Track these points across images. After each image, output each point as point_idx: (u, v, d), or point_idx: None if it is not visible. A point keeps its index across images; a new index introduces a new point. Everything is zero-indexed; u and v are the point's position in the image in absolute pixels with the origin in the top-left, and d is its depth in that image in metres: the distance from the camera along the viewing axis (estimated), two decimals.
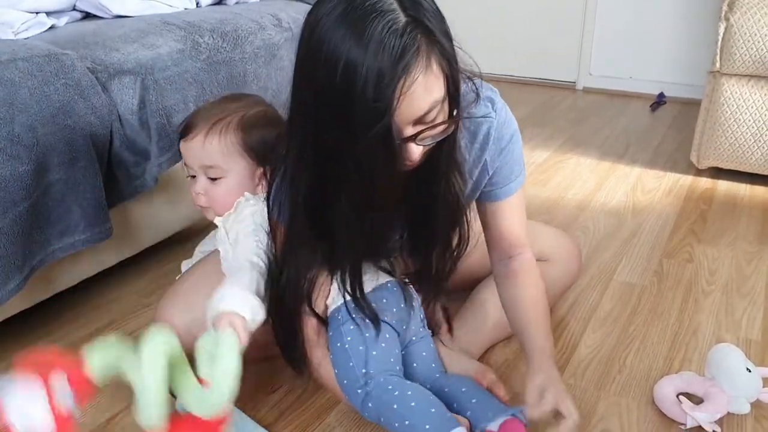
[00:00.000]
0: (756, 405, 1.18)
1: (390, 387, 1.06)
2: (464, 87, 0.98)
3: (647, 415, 1.18)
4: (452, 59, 0.91)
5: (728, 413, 1.16)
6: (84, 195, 1.32)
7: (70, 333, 1.46)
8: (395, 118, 0.85)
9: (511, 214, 1.19)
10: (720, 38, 2.08)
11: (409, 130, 0.89)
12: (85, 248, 1.37)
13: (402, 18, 0.84)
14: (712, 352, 1.22)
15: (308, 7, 0.91)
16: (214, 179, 1.19)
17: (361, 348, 1.10)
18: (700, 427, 1.12)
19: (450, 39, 0.92)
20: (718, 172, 2.27)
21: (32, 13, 1.65)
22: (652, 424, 1.16)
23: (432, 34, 0.87)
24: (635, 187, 2.20)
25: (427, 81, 0.86)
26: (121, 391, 1.00)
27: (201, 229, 1.75)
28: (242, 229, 1.12)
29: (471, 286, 1.41)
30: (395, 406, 1.03)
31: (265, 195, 1.11)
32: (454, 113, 0.94)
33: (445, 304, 1.30)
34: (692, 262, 1.71)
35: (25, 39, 1.50)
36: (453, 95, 0.93)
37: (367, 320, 1.10)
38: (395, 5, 0.85)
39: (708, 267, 1.69)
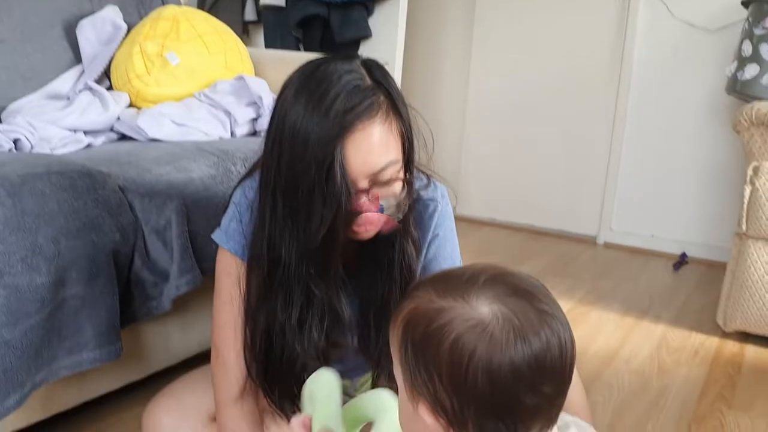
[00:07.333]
0: None
1: None
2: (417, 175, 1.08)
3: None
4: (409, 127, 0.99)
5: None
6: (98, 313, 1.29)
7: None
8: (350, 166, 0.91)
9: None
10: (746, 202, 2.08)
11: (363, 183, 0.94)
12: (92, 368, 1.31)
13: (368, 81, 0.93)
14: None
15: None
16: None
17: None
18: None
19: (408, 113, 0.99)
20: (745, 336, 2.20)
21: (71, 131, 1.70)
22: None
23: (395, 101, 0.95)
24: (660, 345, 2.14)
25: (385, 136, 0.94)
26: None
27: None
28: None
29: None
30: None
31: None
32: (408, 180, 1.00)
33: None
34: (723, 429, 1.62)
35: (61, 155, 1.53)
36: (408, 164, 1.00)
37: None
38: (363, 71, 0.94)
39: None
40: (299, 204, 0.93)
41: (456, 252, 1.19)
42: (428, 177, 1.14)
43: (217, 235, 1.11)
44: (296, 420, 0.87)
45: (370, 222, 0.97)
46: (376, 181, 0.95)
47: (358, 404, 0.91)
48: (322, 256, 0.97)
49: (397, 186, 0.98)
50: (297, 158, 0.92)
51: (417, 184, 1.11)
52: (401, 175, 0.98)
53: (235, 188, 1.12)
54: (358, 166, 0.92)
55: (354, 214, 0.95)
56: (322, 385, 0.88)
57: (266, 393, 1.08)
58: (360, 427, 0.92)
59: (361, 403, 0.91)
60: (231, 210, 1.10)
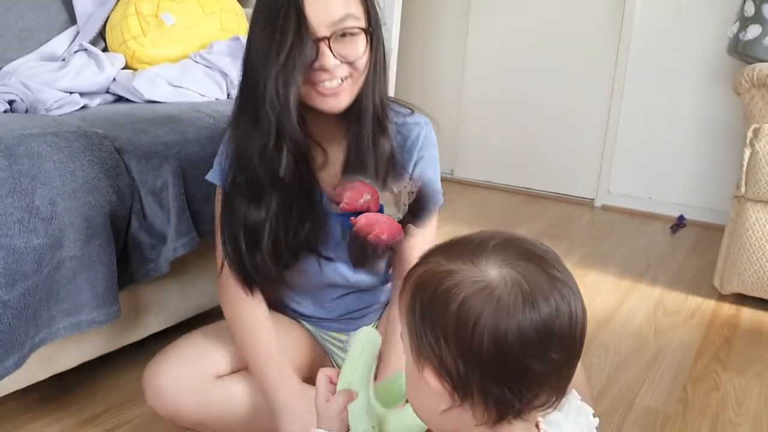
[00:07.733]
0: None
1: None
2: (401, 109, 1.19)
3: None
4: (374, 8, 1.08)
5: None
6: (96, 274, 1.29)
7: (63, 418, 1.39)
8: (309, 11, 1.00)
9: (421, 234, 1.16)
10: (745, 164, 2.07)
11: (324, 31, 1.01)
12: (90, 329, 1.32)
13: None
14: None
15: None
16: None
17: None
18: None
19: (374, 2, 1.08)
20: (741, 299, 2.21)
21: (66, 93, 1.68)
22: None
23: None
24: (657, 308, 2.15)
25: None
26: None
27: (211, 317, 1.70)
28: None
29: None
30: None
31: None
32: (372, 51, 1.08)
33: None
34: (718, 390, 1.64)
35: (57, 116, 1.51)
36: (371, 29, 1.07)
37: None
38: None
39: (735, 397, 1.61)
40: (271, 44, 1.00)
41: (438, 179, 1.22)
42: (412, 111, 1.21)
43: (210, 175, 1.20)
44: (323, 373, 0.87)
45: (331, 73, 1.03)
46: (336, 32, 1.02)
47: (395, 382, 0.91)
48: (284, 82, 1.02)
49: (361, 43, 1.05)
50: (266, 20, 1.02)
51: (402, 111, 1.19)
52: (363, 36, 1.05)
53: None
54: (318, 13, 1.01)
55: (314, 61, 1.02)
56: (357, 343, 0.87)
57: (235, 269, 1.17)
58: (397, 405, 0.92)
59: (399, 381, 0.90)
60: (220, 149, 1.19)
